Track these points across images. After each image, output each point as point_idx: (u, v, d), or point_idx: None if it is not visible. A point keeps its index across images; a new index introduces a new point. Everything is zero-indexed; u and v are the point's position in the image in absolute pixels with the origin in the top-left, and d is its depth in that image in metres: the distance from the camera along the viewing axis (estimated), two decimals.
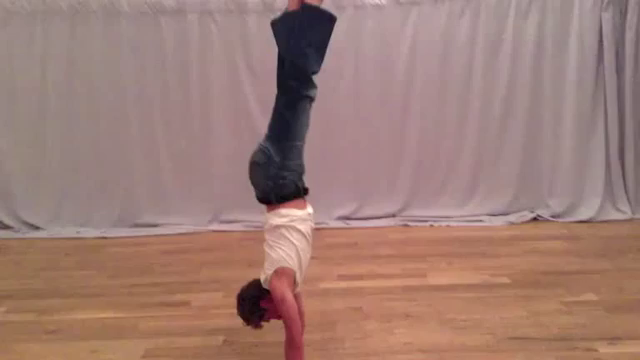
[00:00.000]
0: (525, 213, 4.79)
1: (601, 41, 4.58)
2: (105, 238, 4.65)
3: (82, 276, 3.83)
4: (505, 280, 3.48)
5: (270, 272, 2.34)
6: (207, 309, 3.21)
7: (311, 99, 2.47)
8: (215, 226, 4.82)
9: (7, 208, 4.83)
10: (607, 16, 4.53)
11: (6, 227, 4.81)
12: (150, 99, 4.72)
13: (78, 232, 4.74)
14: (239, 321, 3.00)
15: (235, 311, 3.13)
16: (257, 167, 2.37)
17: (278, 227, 2.36)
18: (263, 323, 2.47)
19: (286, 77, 2.40)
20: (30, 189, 4.80)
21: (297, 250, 2.36)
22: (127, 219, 4.82)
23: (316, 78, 2.43)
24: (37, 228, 4.80)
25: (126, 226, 4.80)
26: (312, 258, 4.02)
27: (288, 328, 2.31)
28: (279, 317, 2.38)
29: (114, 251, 4.35)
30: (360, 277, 3.62)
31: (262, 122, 4.79)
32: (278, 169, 2.32)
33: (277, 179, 2.33)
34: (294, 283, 2.39)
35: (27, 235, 4.73)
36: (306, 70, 2.40)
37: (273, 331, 2.88)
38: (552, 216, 4.76)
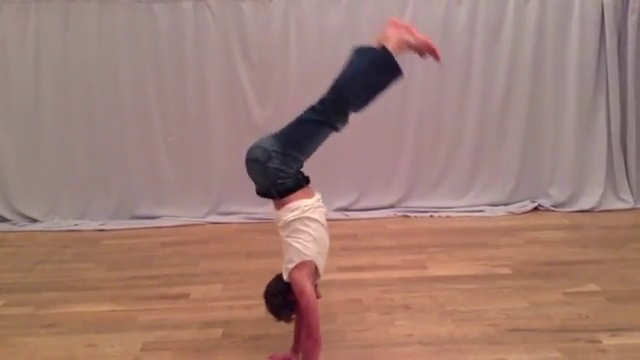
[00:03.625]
0: (526, 203, 4.76)
1: (603, 26, 4.51)
2: (103, 230, 4.62)
3: (80, 269, 3.80)
4: (506, 271, 3.45)
5: (290, 266, 2.31)
6: (206, 301, 3.19)
7: (336, 130, 2.51)
8: (213, 218, 4.78)
9: (4, 201, 4.78)
10: (609, 0, 4.47)
11: (3, 220, 4.77)
12: (146, 89, 4.66)
13: (75, 225, 4.70)
14: (238, 313, 3.00)
15: (234, 303, 3.13)
16: (256, 164, 2.33)
17: (292, 222, 2.32)
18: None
19: (328, 101, 2.44)
20: (27, 181, 4.75)
21: (314, 239, 2.32)
22: (124, 211, 4.78)
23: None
24: (34, 221, 4.76)
25: (124, 218, 4.76)
26: None
27: (307, 320, 2.27)
28: None
29: (112, 243, 4.32)
30: (360, 269, 3.59)
31: (259, 111, 4.82)
32: (276, 170, 2.27)
33: (276, 178, 2.30)
34: (315, 273, 2.36)
35: (24, 228, 4.69)
36: (348, 107, 2.46)
37: (272, 324, 2.86)
38: (553, 206, 4.72)
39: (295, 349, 2.50)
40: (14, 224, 4.74)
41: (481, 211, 4.71)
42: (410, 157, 4.80)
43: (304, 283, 2.27)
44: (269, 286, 2.43)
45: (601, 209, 4.62)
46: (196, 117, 4.72)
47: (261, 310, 3.01)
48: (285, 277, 2.36)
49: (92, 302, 3.24)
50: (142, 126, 4.71)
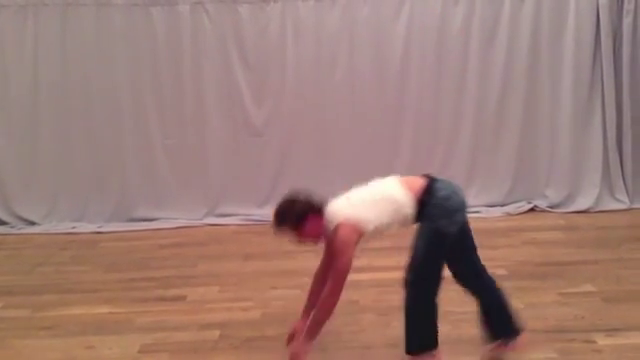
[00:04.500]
0: (522, 204, 4.78)
1: (598, 28, 4.54)
2: (100, 233, 4.63)
3: (78, 271, 3.81)
4: (502, 271, 3.46)
5: (346, 214, 2.25)
6: (203, 303, 3.20)
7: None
8: (211, 220, 4.79)
9: (2, 203, 4.79)
10: (604, 2, 4.49)
11: (1, 223, 4.78)
12: (143, 92, 4.68)
13: (73, 227, 4.71)
14: (235, 315, 3.01)
15: (231, 305, 3.14)
16: None
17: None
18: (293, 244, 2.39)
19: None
20: (25, 184, 4.77)
21: (379, 224, 2.28)
22: (122, 213, 4.80)
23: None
24: (32, 223, 4.77)
25: (121, 220, 4.78)
26: (308, 251, 4.02)
27: (330, 283, 2.23)
28: (311, 241, 2.33)
29: (109, 246, 4.33)
30: (356, 270, 3.54)
31: (256, 113, 4.83)
32: None
33: None
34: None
35: (22, 230, 4.70)
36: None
37: (270, 325, 2.88)
38: (549, 206, 4.74)
39: (306, 313, 2.45)
40: (12, 227, 4.75)
41: (478, 212, 4.71)
42: (407, 158, 4.81)
43: (350, 244, 2.20)
44: (302, 191, 2.38)
45: (597, 210, 4.64)
46: (193, 119, 4.73)
47: (258, 312, 3.06)
48: (331, 211, 2.29)
49: (90, 304, 3.24)
50: (140, 128, 4.73)
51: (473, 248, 2.43)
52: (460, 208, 2.28)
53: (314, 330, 2.25)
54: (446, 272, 2.40)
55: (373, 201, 2.30)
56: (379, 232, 2.29)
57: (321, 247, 3.85)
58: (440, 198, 2.24)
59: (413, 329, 2.30)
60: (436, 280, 2.26)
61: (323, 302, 2.25)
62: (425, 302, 2.26)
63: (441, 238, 2.24)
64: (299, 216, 2.28)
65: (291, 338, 2.46)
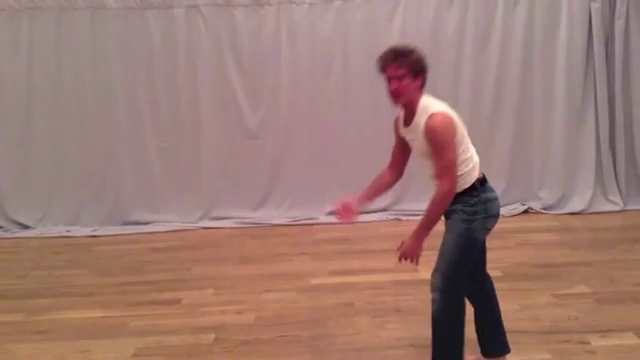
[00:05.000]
0: (516, 206, 4.79)
1: (590, 31, 4.57)
2: (95, 236, 4.62)
3: (72, 275, 3.80)
4: (497, 273, 3.46)
5: (444, 109, 2.18)
6: (198, 307, 3.19)
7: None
8: (205, 223, 4.79)
9: None
10: (596, 6, 4.52)
11: None
12: (138, 95, 4.68)
13: (68, 231, 4.70)
14: (230, 318, 3.00)
15: (225, 308, 3.13)
16: None
17: None
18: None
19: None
20: (19, 188, 4.75)
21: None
22: (117, 217, 4.79)
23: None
24: (26, 227, 4.76)
25: (116, 224, 4.77)
26: (303, 254, 4.05)
27: (440, 185, 2.14)
28: (402, 97, 2.16)
29: (104, 249, 4.32)
30: (351, 272, 3.61)
31: (251, 116, 4.84)
32: None
33: None
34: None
35: (16, 235, 4.69)
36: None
37: (264, 328, 2.87)
38: (543, 208, 4.76)
39: (368, 196, 2.43)
40: (6, 231, 4.74)
41: None
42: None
43: (450, 132, 2.10)
44: None
45: (590, 211, 4.66)
46: (188, 122, 4.73)
47: (253, 315, 3.05)
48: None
49: (84, 308, 3.23)
50: (134, 132, 4.73)
51: (484, 262, 2.44)
52: (496, 215, 2.28)
53: (424, 233, 2.19)
54: None
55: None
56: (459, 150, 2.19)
57: (313, 249, 3.87)
58: (486, 196, 2.24)
59: (442, 340, 2.25)
60: (463, 286, 2.25)
61: (434, 207, 2.17)
62: (455, 310, 2.23)
63: (473, 244, 2.23)
64: (421, 67, 2.17)
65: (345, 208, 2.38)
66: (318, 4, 4.60)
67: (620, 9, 4.54)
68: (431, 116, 2.11)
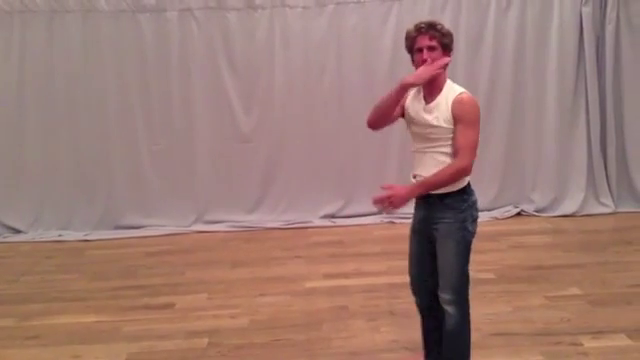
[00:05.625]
0: (509, 208, 4.82)
1: (581, 35, 4.61)
2: (87, 241, 4.59)
3: (64, 280, 3.77)
4: (490, 275, 3.49)
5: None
6: (191, 311, 3.17)
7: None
8: (199, 226, 4.77)
9: None
10: (587, 10, 4.56)
11: None
12: (131, 99, 4.67)
13: (60, 235, 4.67)
14: (224, 322, 3.00)
15: (219, 312, 3.13)
16: None
17: None
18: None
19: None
20: (11, 192, 4.72)
21: None
22: (109, 221, 4.76)
23: None
24: (18, 232, 4.72)
25: (108, 228, 4.74)
26: (297, 257, 4.05)
27: (460, 159, 2.08)
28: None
29: (96, 254, 4.30)
30: (346, 275, 3.61)
31: (244, 119, 4.83)
32: None
33: None
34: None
35: (8, 239, 4.65)
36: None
37: (258, 332, 2.87)
38: (536, 211, 4.79)
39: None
40: None
41: None
42: (395, 163, 4.83)
43: (478, 113, 2.09)
44: None
45: (582, 214, 4.69)
46: (181, 126, 4.73)
47: (246, 319, 3.05)
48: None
49: (76, 313, 3.21)
50: (127, 135, 4.71)
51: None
52: (478, 217, 2.30)
53: (420, 191, 2.12)
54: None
55: None
56: None
57: (308, 252, 3.86)
58: (472, 200, 2.25)
59: (461, 350, 2.24)
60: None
61: (445, 175, 2.08)
62: (468, 320, 2.23)
63: (468, 249, 2.23)
64: (450, 42, 2.15)
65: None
66: (311, 8, 4.61)
67: (610, 14, 4.58)
68: (462, 93, 2.09)
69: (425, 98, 2.16)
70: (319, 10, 4.62)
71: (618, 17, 4.60)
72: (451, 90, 2.11)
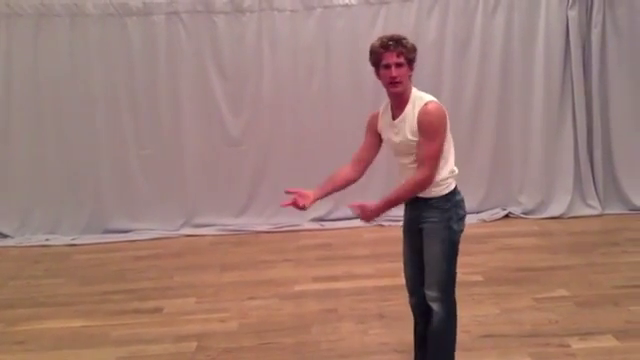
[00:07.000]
0: (497, 210, 4.84)
1: (568, 39, 4.65)
2: (74, 245, 4.56)
3: (52, 284, 3.75)
4: (478, 277, 3.51)
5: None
6: (180, 315, 3.17)
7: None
8: (187, 230, 4.75)
9: None
10: (573, 14, 4.60)
11: None
12: (118, 103, 4.64)
13: (47, 239, 4.63)
14: (212, 326, 2.99)
15: (208, 316, 3.12)
16: None
17: None
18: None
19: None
20: None
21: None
22: (97, 225, 4.73)
23: None
24: (5, 236, 4.68)
25: (96, 232, 4.71)
26: (286, 261, 4.05)
27: (421, 171, 2.10)
28: (401, 82, 2.09)
29: (84, 258, 4.27)
30: (335, 278, 3.61)
31: (233, 123, 4.83)
32: None
33: None
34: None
35: None
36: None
37: (247, 336, 2.87)
38: (523, 213, 4.82)
39: (322, 188, 2.45)
40: None
41: None
42: (384, 167, 4.83)
43: (444, 120, 2.09)
44: None
45: (570, 216, 4.72)
46: (169, 129, 4.71)
47: (235, 323, 3.04)
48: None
49: (64, 318, 3.19)
50: (114, 139, 4.68)
51: None
52: (465, 215, 2.33)
53: (386, 208, 2.20)
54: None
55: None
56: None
57: (297, 255, 3.86)
58: (457, 199, 2.26)
59: (446, 348, 2.26)
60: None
61: (406, 191, 2.16)
62: (454, 319, 2.26)
63: (456, 247, 2.25)
64: (414, 56, 2.15)
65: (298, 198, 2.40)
66: (300, 11, 4.61)
67: (597, 17, 4.62)
68: (427, 103, 2.10)
69: (392, 110, 2.21)
70: (307, 13, 4.62)
71: (604, 20, 4.63)
72: (418, 100, 2.13)
